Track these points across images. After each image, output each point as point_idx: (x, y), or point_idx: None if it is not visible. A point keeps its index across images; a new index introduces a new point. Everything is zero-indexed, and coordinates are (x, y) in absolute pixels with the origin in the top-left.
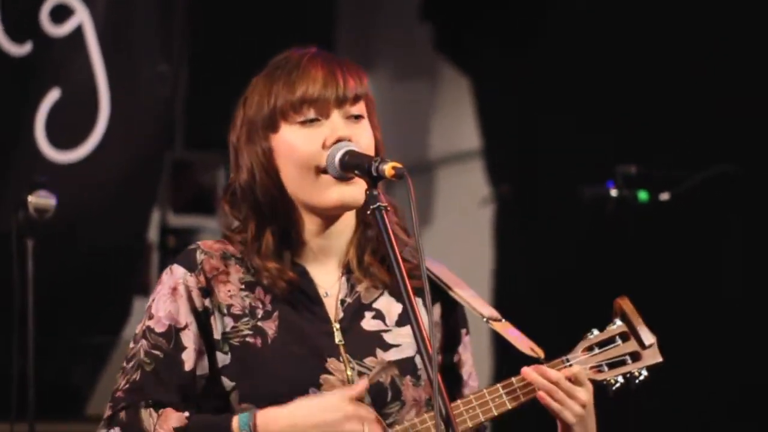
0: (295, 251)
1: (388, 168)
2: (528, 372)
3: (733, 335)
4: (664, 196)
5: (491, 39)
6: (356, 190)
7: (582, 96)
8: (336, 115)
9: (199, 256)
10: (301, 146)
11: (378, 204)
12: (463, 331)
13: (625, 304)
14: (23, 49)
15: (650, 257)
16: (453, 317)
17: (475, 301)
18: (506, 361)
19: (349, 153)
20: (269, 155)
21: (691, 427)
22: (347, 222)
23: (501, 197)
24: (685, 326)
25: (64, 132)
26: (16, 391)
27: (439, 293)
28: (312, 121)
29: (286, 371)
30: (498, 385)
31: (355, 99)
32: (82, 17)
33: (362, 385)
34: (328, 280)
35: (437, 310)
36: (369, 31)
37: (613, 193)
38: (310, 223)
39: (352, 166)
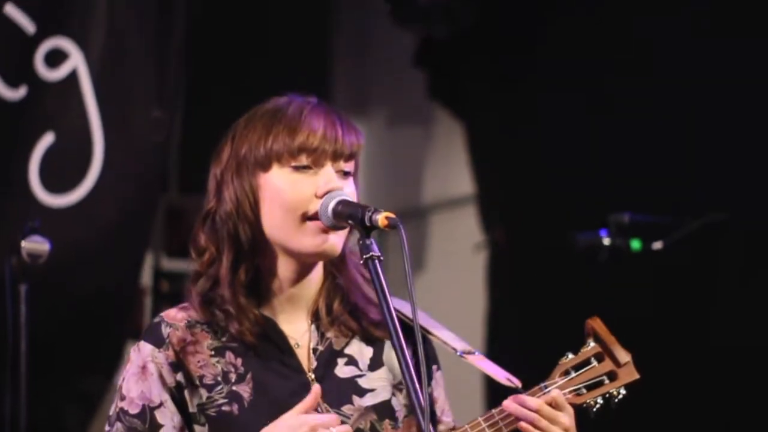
0: (262, 302)
1: (381, 218)
2: (509, 404)
3: (724, 384)
4: (657, 245)
5: (485, 85)
6: (337, 240)
7: (576, 143)
8: (329, 167)
9: (165, 330)
10: (291, 191)
11: (371, 254)
12: (434, 367)
13: (597, 324)
14: (17, 93)
15: (642, 306)
16: (423, 355)
17: (447, 336)
18: (497, 391)
19: (343, 202)
20: (255, 192)
21: None
22: (318, 271)
23: (494, 243)
24: (676, 375)
25: (58, 176)
26: None
27: (409, 333)
28: (305, 167)
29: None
30: (479, 418)
31: (350, 156)
32: (76, 62)
33: (313, 394)
34: (298, 330)
35: (408, 350)
36: (363, 77)
37: (606, 241)
38: (284, 269)
39: (345, 215)
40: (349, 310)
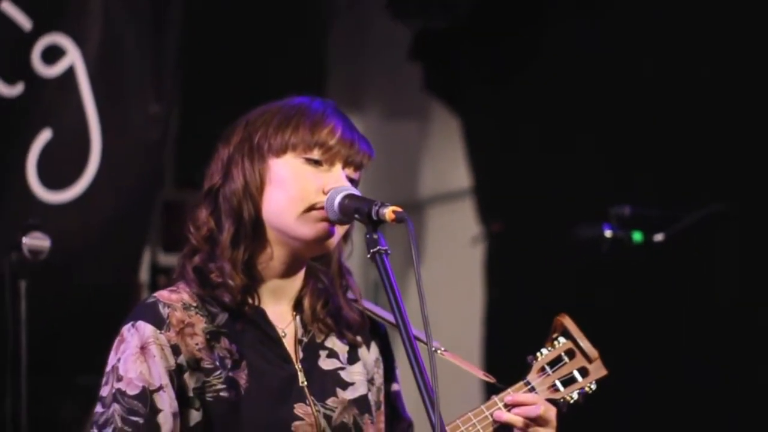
0: (249, 288)
1: (388, 212)
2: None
3: (728, 377)
4: (659, 237)
5: (481, 78)
6: (335, 233)
7: (575, 134)
8: (339, 167)
9: (164, 310)
10: (298, 181)
11: (378, 248)
12: (396, 363)
13: (566, 320)
14: (15, 90)
15: (645, 298)
16: (389, 351)
17: (421, 334)
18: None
19: (349, 196)
20: (263, 175)
21: None
22: (303, 270)
23: (492, 236)
24: (681, 367)
25: (56, 173)
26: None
27: (377, 330)
28: (316, 162)
29: (260, 422)
30: (469, 413)
31: (359, 166)
32: (73, 58)
33: None
34: (283, 320)
35: (376, 346)
36: (359, 71)
37: (608, 234)
38: (276, 259)
39: (351, 209)
40: (328, 312)
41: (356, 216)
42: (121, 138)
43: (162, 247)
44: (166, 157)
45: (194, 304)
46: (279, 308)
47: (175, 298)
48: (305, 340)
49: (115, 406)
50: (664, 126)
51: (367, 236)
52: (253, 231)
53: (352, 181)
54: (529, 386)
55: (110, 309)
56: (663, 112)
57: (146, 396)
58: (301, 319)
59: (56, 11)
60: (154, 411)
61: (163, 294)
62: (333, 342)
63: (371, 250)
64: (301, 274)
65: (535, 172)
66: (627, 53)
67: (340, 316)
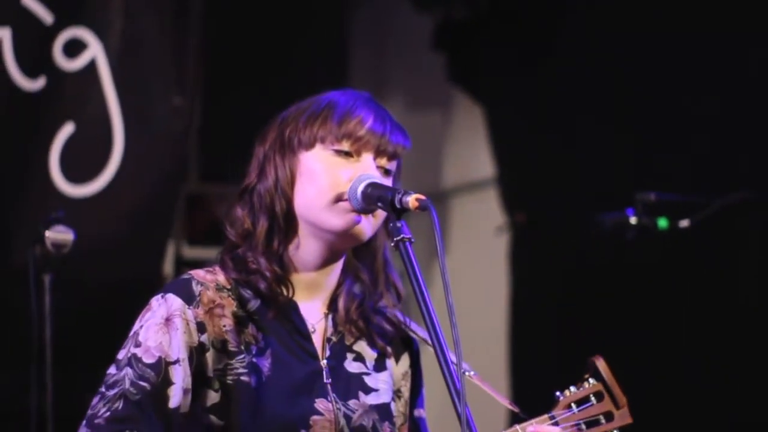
0: (285, 281)
1: (411, 200)
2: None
3: (752, 363)
4: (684, 223)
5: (504, 67)
6: (366, 224)
7: (599, 123)
8: (369, 158)
9: (196, 288)
10: (327, 172)
11: (402, 236)
12: (423, 382)
13: (600, 363)
14: (37, 84)
15: (670, 284)
16: (419, 369)
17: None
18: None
19: (372, 185)
20: (294, 169)
21: None
22: (339, 264)
23: (516, 225)
24: (705, 354)
25: (79, 166)
26: (35, 425)
27: (409, 346)
28: (346, 153)
29: (278, 411)
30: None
31: (393, 155)
32: (95, 51)
33: None
34: (314, 316)
35: (406, 360)
36: (381, 60)
37: (633, 220)
38: (310, 251)
39: (374, 197)
40: (362, 315)
41: (379, 204)
42: (144, 131)
43: (186, 239)
44: (190, 149)
45: (228, 287)
46: (312, 304)
47: (209, 279)
48: (334, 339)
49: (128, 370)
50: (690, 112)
51: (391, 225)
52: (286, 225)
53: (387, 171)
54: (553, 420)
55: (134, 302)
56: (689, 98)
57: (161, 366)
58: (333, 319)
59: (77, 5)
60: (166, 382)
61: (198, 273)
62: (362, 347)
63: (395, 239)
64: (337, 269)
65: (559, 161)
66: (649, 40)
67: (374, 322)
